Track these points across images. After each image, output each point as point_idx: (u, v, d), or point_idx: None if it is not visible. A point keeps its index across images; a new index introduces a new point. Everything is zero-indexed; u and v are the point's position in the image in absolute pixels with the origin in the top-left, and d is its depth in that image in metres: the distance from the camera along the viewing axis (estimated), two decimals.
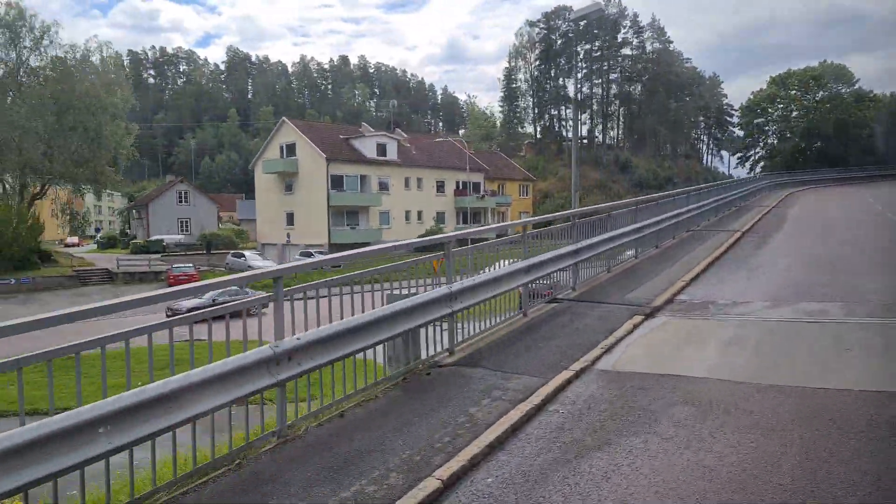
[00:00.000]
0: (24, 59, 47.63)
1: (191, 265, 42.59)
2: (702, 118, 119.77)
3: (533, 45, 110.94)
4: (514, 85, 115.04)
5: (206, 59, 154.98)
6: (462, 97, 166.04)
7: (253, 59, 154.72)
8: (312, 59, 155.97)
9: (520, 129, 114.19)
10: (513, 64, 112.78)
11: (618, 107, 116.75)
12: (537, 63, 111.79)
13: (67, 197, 53.64)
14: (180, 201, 69.92)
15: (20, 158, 44.65)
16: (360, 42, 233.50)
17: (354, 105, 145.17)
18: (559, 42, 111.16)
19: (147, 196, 75.51)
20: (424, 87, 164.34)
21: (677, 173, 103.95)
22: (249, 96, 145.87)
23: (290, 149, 54.58)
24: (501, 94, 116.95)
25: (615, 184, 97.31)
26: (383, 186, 56.06)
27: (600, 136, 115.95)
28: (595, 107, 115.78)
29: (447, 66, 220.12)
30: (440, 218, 60.35)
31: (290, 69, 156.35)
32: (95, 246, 73.09)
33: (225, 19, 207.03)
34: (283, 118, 58.78)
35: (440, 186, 62.24)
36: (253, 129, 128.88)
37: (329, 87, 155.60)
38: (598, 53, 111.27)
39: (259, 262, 42.27)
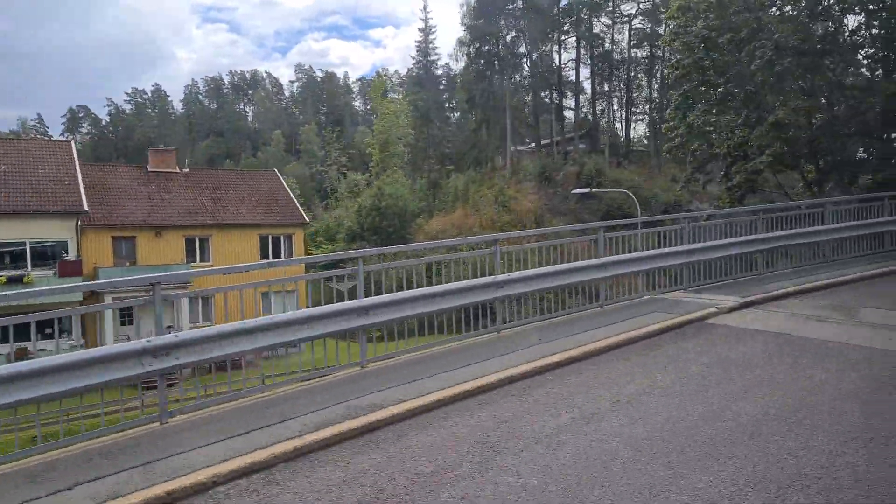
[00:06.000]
0: None
1: None
2: None
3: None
4: (433, 57, 77.43)
5: (275, 79, 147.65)
6: None
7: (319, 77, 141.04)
8: (396, 71, 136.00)
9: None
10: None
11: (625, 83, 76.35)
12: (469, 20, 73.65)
13: None
14: None
15: None
16: None
17: None
18: None
19: None
20: None
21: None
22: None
23: None
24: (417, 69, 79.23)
25: (559, 218, 57.75)
26: None
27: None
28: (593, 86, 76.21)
29: None
30: None
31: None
32: None
33: (391, 52, 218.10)
34: None
35: None
36: (294, 152, 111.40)
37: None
38: None
39: None
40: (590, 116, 77.89)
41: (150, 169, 39.92)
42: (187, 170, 41.71)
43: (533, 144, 78.44)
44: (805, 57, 20.31)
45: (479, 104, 73.40)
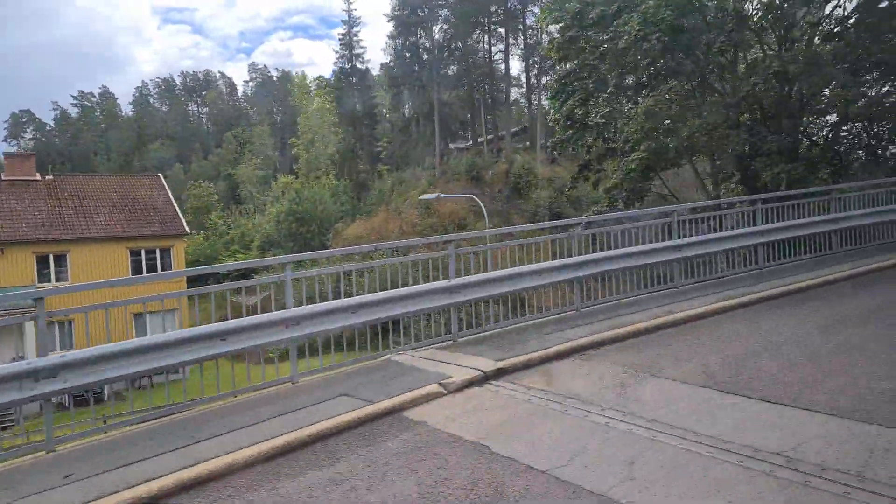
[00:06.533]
0: None
1: None
2: None
3: None
4: (358, 51, 73.44)
5: (229, 79, 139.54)
6: None
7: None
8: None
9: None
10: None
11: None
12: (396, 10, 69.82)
13: None
14: None
15: None
16: None
17: None
18: None
19: None
20: None
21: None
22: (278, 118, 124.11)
23: None
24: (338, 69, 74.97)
25: (485, 221, 54.54)
26: None
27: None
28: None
29: None
30: None
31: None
32: None
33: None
34: None
35: None
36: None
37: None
38: None
39: None
40: (526, 111, 75.04)
41: (3, 178, 35.78)
42: (50, 177, 37.55)
43: (471, 142, 75.22)
44: (683, 33, 17.19)
45: (407, 100, 70.04)
